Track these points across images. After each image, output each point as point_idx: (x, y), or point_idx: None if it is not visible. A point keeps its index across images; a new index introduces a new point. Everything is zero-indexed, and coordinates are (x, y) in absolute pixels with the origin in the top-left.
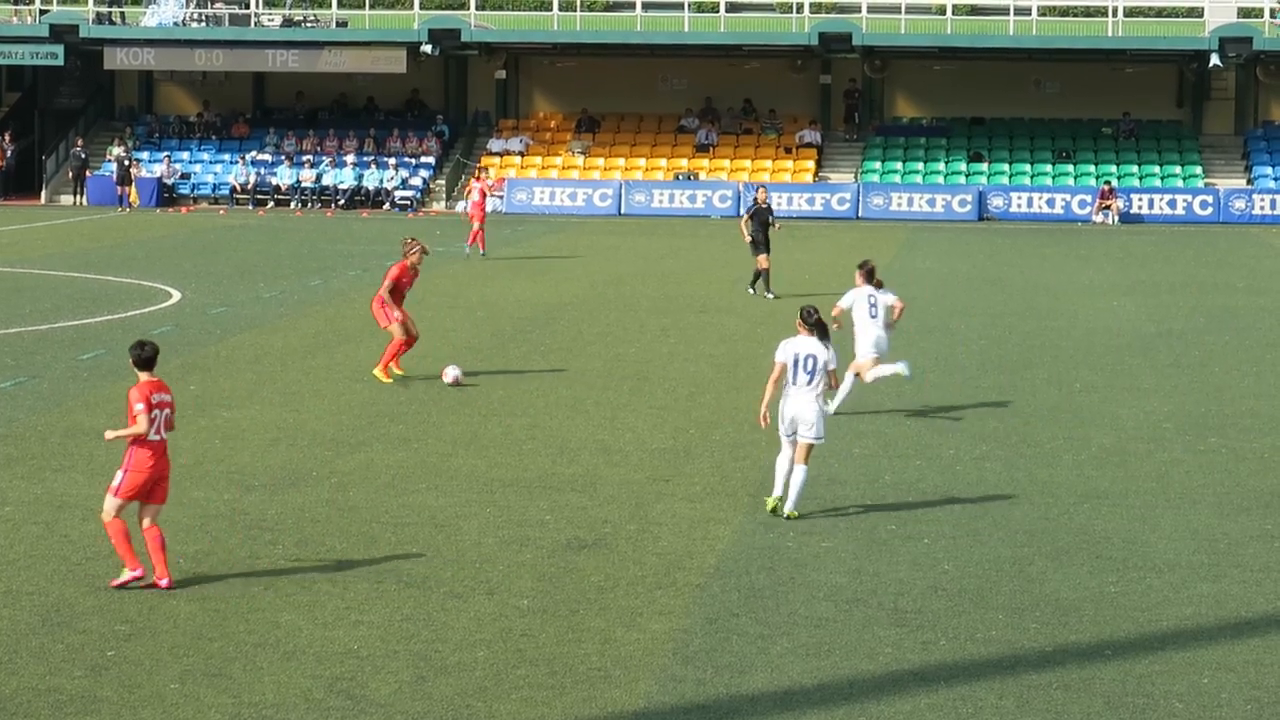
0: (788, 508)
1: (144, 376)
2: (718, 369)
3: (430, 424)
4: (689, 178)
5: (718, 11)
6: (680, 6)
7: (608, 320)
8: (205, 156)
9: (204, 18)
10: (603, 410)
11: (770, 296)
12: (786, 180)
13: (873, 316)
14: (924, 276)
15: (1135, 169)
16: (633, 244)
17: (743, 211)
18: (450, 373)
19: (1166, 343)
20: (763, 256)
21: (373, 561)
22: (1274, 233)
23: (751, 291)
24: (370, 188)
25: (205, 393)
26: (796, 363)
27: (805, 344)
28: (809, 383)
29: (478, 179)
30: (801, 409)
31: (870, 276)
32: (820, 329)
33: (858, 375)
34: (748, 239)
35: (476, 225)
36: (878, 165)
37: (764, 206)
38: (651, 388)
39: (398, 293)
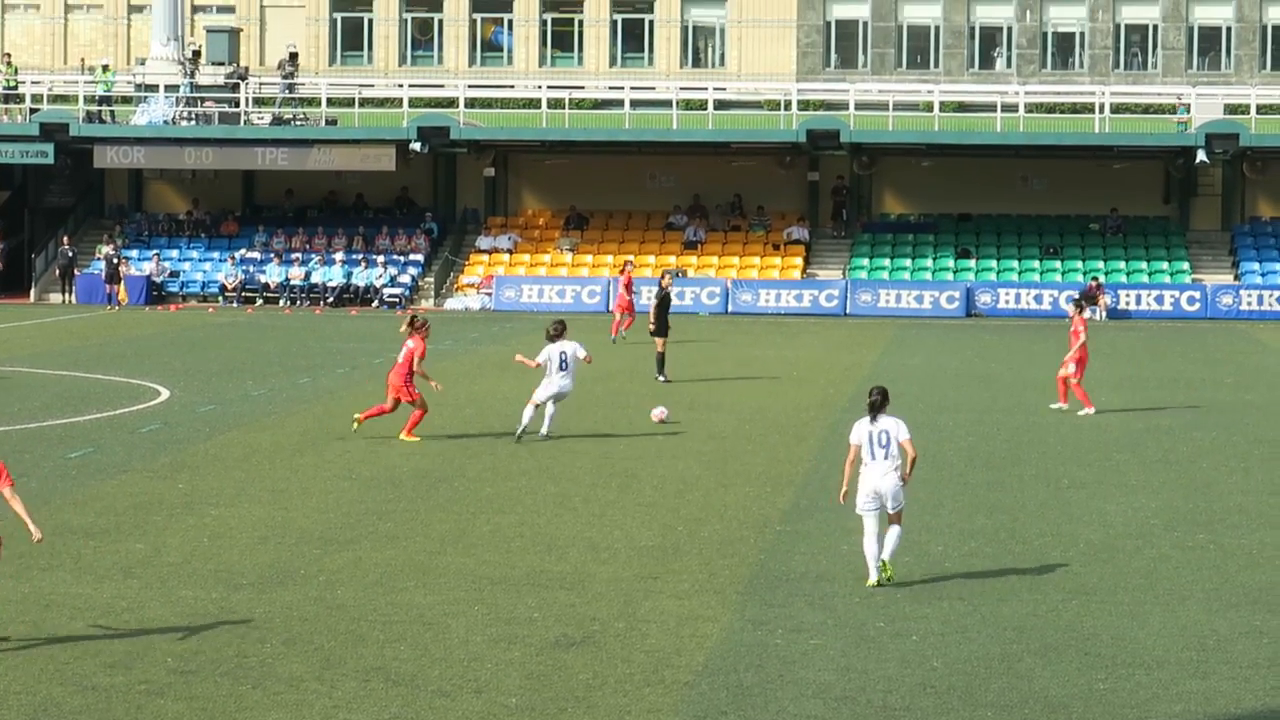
0: (885, 555)
1: None
2: (706, 466)
3: (418, 521)
4: (678, 275)
5: (706, 109)
6: (669, 104)
7: (595, 417)
8: (194, 254)
9: (193, 116)
10: (591, 507)
11: (662, 380)
12: (775, 277)
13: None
14: (912, 373)
15: (1123, 265)
16: (623, 342)
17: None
18: (657, 413)
19: (1154, 439)
20: (660, 340)
21: (361, 660)
22: (1261, 328)
23: (660, 378)
24: (359, 285)
25: (193, 490)
26: (871, 440)
27: (878, 423)
28: (885, 457)
29: (623, 271)
30: (884, 483)
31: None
32: (881, 409)
33: None
34: (652, 325)
35: (618, 316)
36: (865, 261)
37: (666, 293)
38: (640, 485)
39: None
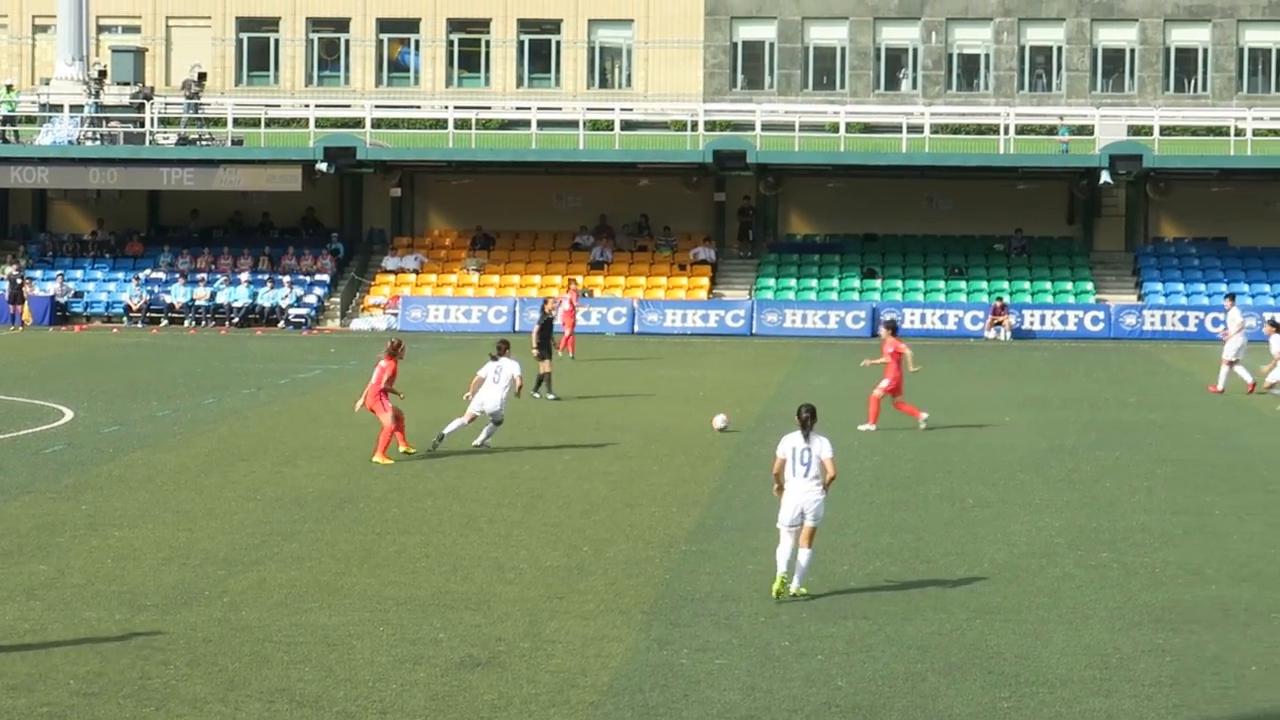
0: (794, 586)
1: None
2: (612, 486)
3: (323, 542)
4: (584, 295)
5: (613, 130)
6: (576, 125)
7: (501, 437)
8: (99, 275)
9: (98, 136)
10: (497, 528)
11: (552, 398)
12: (681, 297)
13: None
14: (817, 393)
15: (1027, 285)
16: (527, 362)
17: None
18: (719, 420)
19: (1058, 458)
20: (545, 362)
21: (265, 681)
22: (1164, 348)
23: (535, 395)
24: (265, 305)
25: (97, 512)
26: (795, 456)
27: (800, 440)
28: (808, 475)
29: (569, 289)
30: (805, 499)
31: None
32: (810, 425)
33: None
34: (535, 348)
35: (567, 332)
36: (772, 282)
37: (550, 317)
38: (546, 505)
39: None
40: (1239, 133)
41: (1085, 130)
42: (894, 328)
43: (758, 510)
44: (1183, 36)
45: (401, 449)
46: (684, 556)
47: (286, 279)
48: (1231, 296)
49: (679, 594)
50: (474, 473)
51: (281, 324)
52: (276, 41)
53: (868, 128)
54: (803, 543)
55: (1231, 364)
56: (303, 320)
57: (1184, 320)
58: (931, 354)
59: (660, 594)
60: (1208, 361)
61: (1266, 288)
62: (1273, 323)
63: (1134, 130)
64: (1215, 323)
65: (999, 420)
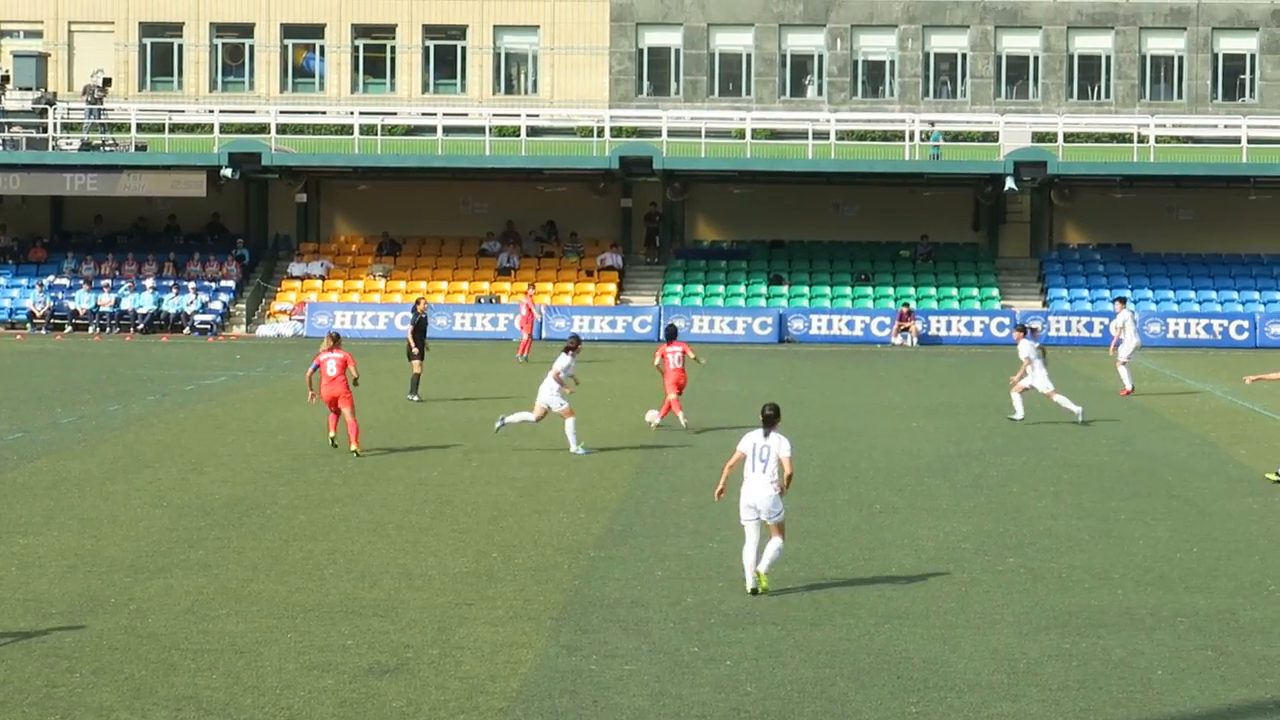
0: (762, 566)
1: None
2: (521, 493)
3: (230, 549)
4: (490, 301)
5: (519, 136)
6: (482, 131)
7: (410, 443)
8: (2, 281)
9: (0, 141)
10: (405, 534)
11: (415, 399)
12: (588, 303)
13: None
14: (725, 399)
15: (933, 291)
16: (435, 367)
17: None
18: (651, 415)
19: (965, 463)
20: (416, 362)
21: (172, 689)
22: (1069, 354)
23: (412, 398)
24: (170, 312)
25: (1, 519)
26: (755, 452)
27: (760, 437)
28: (764, 471)
29: (526, 293)
30: (759, 496)
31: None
32: (773, 424)
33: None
34: (414, 349)
35: (525, 336)
36: (679, 288)
37: (423, 318)
38: (454, 511)
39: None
40: (1142, 139)
41: (990, 137)
42: (675, 331)
43: (666, 516)
44: (1086, 44)
45: (353, 449)
46: (592, 562)
47: (192, 285)
48: (1122, 299)
49: (588, 600)
50: (382, 479)
51: (187, 330)
52: (180, 46)
53: (774, 134)
54: (772, 533)
55: (1124, 364)
56: (208, 327)
57: (1088, 326)
58: (838, 360)
59: (569, 600)
60: (1112, 367)
61: (1170, 294)
62: (1021, 327)
63: (1038, 137)
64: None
65: (906, 426)
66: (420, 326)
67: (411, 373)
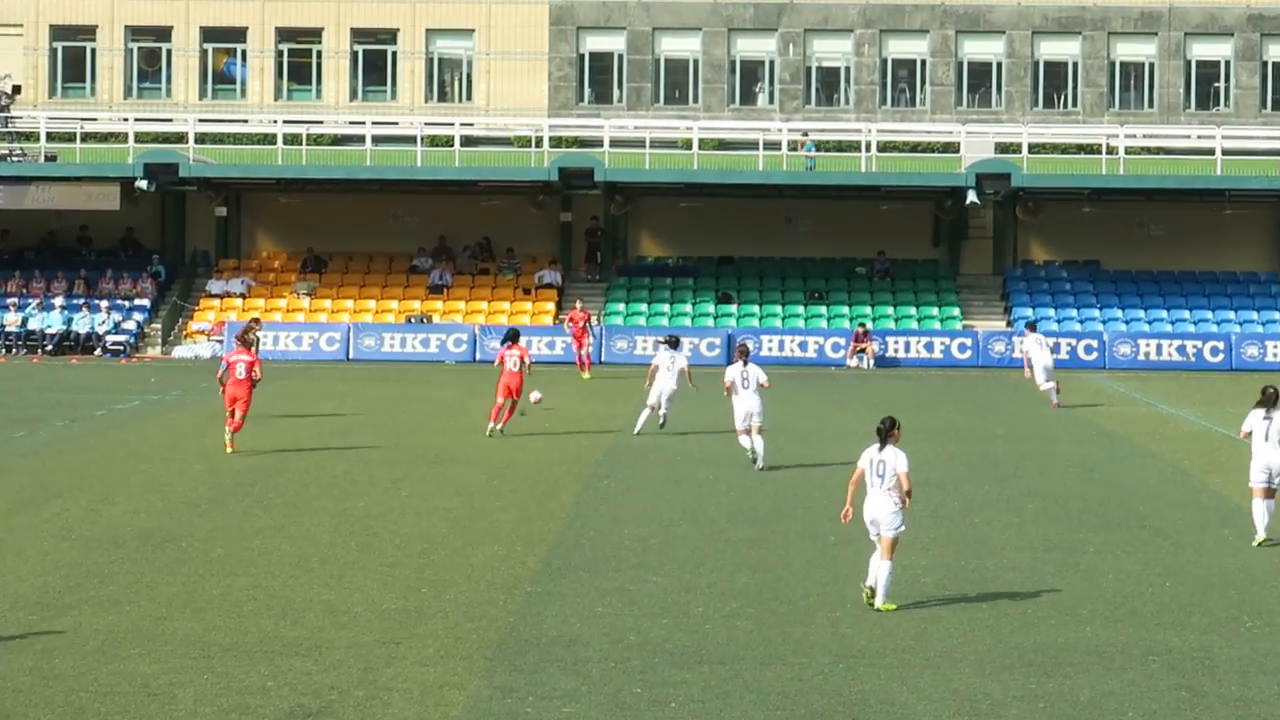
0: (879, 601)
1: None
2: (452, 524)
3: (143, 585)
4: (422, 321)
5: (453, 146)
6: (413, 140)
7: (335, 472)
8: None
9: None
10: (329, 568)
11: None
12: (526, 323)
13: (745, 387)
14: (670, 423)
15: (891, 310)
16: (362, 391)
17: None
18: (535, 395)
19: (925, 493)
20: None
21: None
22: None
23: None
24: (80, 332)
25: None
26: (871, 467)
27: (878, 452)
28: (881, 487)
29: (575, 310)
30: (877, 511)
31: (744, 355)
32: (888, 437)
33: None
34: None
35: (582, 352)
36: (621, 307)
37: (255, 339)
38: (382, 544)
39: None
40: (1111, 150)
41: (950, 148)
42: (514, 336)
43: (607, 548)
44: (1052, 50)
45: (227, 442)
46: (529, 598)
47: (104, 304)
48: (1032, 325)
49: (524, 638)
50: (305, 510)
51: (98, 352)
52: (93, 51)
53: (722, 144)
54: (882, 555)
55: (1049, 387)
56: (121, 348)
57: (1055, 348)
58: (790, 383)
59: (504, 638)
60: (1082, 391)
61: (1141, 313)
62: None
63: (1001, 148)
64: (1088, 350)
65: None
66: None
67: None
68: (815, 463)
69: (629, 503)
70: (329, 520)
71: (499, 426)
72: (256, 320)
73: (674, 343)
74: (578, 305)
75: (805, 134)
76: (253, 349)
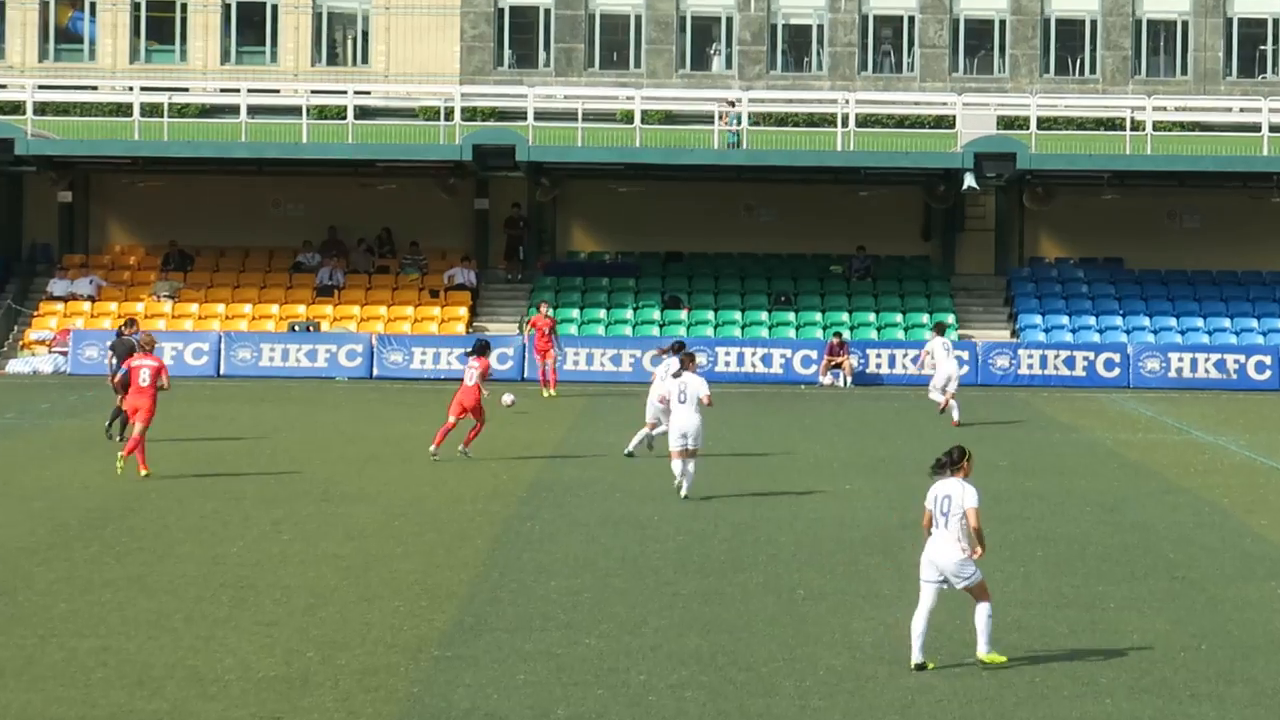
0: (982, 651)
1: None
2: (344, 574)
3: None
4: (308, 329)
5: (345, 119)
6: (297, 112)
7: (203, 512)
8: None
9: None
10: (196, 628)
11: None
12: (433, 331)
13: (682, 402)
14: (609, 451)
15: (872, 317)
16: (235, 413)
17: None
18: (507, 398)
19: (913, 537)
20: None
21: None
22: (1044, 397)
23: (112, 437)
24: None
25: None
26: (935, 505)
27: (943, 486)
28: (946, 526)
29: (540, 314)
30: (941, 556)
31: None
32: (951, 469)
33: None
34: (116, 379)
35: (544, 364)
36: (533, 311)
37: (129, 338)
38: (259, 598)
39: None
40: (1136, 126)
41: (944, 122)
42: (482, 350)
43: (531, 604)
44: (1066, 5)
45: (119, 462)
46: (436, 663)
47: None
48: (940, 326)
49: (430, 711)
50: (167, 557)
51: None
52: None
53: (670, 117)
54: (975, 598)
55: (945, 393)
56: None
57: (1069, 362)
58: (751, 404)
59: (406, 711)
60: (1101, 415)
61: (1172, 321)
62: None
63: (1005, 123)
64: (1109, 365)
65: (837, 488)
66: (119, 349)
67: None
68: (780, 499)
69: (557, 548)
70: (195, 569)
71: (462, 449)
72: (132, 323)
73: (686, 359)
74: (542, 309)
75: (731, 103)
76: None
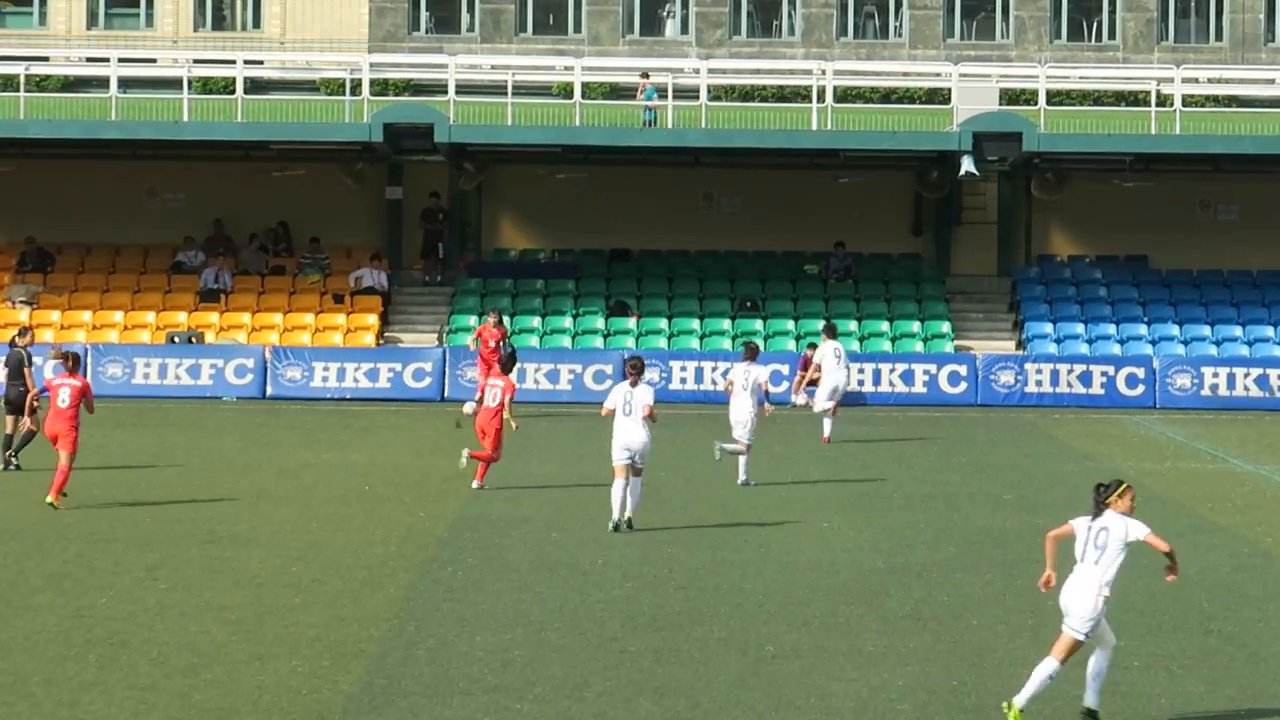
0: (1089, 701)
1: None
2: (232, 629)
3: None
4: (190, 341)
5: (233, 93)
6: (178, 85)
7: (65, 556)
8: None
9: None
10: (57, 692)
11: (15, 466)
12: (337, 343)
13: (627, 414)
14: (542, 483)
15: (853, 326)
16: (104, 440)
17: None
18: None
19: (902, 584)
20: (14, 419)
21: None
22: (1056, 419)
23: (11, 464)
24: None
25: None
26: (1088, 537)
27: (1103, 519)
28: (1096, 562)
29: (491, 323)
30: (1075, 598)
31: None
32: (1108, 501)
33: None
34: (33, 396)
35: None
36: (472, 321)
37: (20, 350)
38: (132, 658)
39: None
40: (1163, 101)
41: (938, 97)
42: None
43: (452, 663)
44: None
45: (49, 499)
46: None
47: None
48: (831, 328)
49: None
50: (22, 609)
51: None
52: None
53: (616, 91)
54: (1055, 652)
55: (826, 408)
56: None
57: (1085, 378)
58: (712, 429)
59: None
60: (1121, 439)
61: (1205, 329)
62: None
63: (1009, 97)
64: (1131, 381)
65: (813, 528)
66: (15, 370)
67: (19, 430)
68: (746, 539)
69: (483, 598)
70: (57, 623)
71: (476, 484)
72: (26, 332)
73: (753, 353)
74: (490, 319)
75: (646, 74)
76: (77, 372)
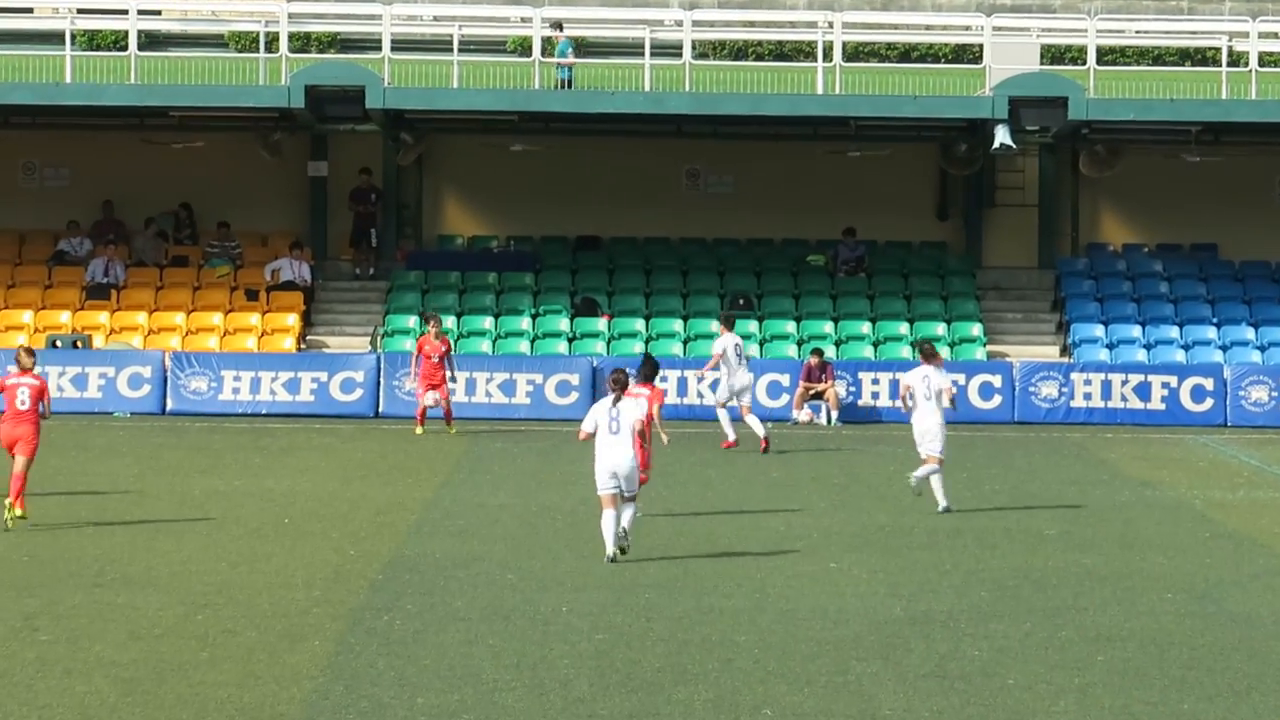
0: None
1: None
2: (126, 689)
3: None
4: (75, 345)
5: (126, 50)
6: (58, 40)
7: None
8: None
9: None
10: None
11: None
12: (250, 348)
13: (613, 432)
14: (499, 517)
15: (867, 328)
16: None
17: None
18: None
19: (924, 634)
20: None
21: None
22: (1108, 439)
23: None
24: None
25: None
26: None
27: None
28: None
29: (430, 329)
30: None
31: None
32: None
33: None
34: None
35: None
36: (412, 321)
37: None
38: None
39: None
40: (1235, 60)
41: (967, 55)
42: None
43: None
44: None
45: (17, 511)
46: None
47: None
48: (729, 319)
49: None
50: None
51: None
52: None
53: (584, 47)
54: None
55: (726, 404)
56: None
57: (1142, 391)
58: (698, 450)
59: None
60: (1185, 463)
61: None
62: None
63: (1052, 55)
64: (1197, 394)
65: (819, 567)
66: None
67: None
68: (738, 582)
69: (425, 652)
70: None
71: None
72: None
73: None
74: (431, 329)
75: (559, 26)
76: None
